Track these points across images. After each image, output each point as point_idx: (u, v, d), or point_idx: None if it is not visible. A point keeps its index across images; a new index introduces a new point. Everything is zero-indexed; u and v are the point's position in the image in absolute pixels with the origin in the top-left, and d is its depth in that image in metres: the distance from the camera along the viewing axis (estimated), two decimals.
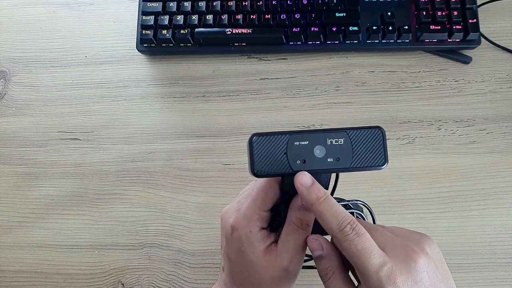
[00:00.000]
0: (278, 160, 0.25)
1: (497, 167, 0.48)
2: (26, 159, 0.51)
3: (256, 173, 0.25)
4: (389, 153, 0.48)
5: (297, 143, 0.26)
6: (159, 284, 0.46)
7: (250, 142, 0.26)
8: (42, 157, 0.51)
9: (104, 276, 0.46)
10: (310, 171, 0.26)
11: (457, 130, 0.50)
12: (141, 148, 0.51)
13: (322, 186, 0.30)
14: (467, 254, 0.45)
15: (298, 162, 0.25)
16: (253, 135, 0.26)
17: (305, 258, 0.39)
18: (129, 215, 0.48)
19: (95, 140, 0.52)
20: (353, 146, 0.26)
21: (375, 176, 0.48)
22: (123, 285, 0.46)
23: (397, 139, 0.50)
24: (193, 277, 0.46)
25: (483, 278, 0.44)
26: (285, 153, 0.26)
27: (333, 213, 0.25)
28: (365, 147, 0.26)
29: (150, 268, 0.46)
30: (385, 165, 0.26)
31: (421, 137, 0.49)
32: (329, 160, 0.26)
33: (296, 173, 0.26)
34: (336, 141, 0.26)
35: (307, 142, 0.26)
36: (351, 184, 0.48)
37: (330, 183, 0.30)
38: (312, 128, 0.51)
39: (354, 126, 0.26)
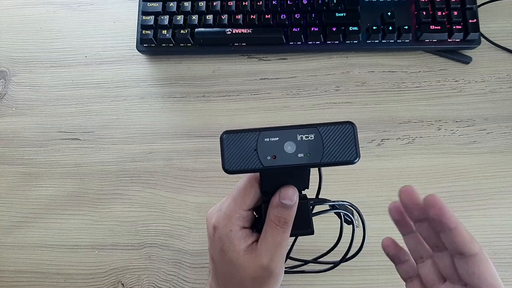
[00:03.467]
0: (249, 156, 0.26)
1: (497, 167, 0.48)
2: (26, 159, 0.51)
3: (227, 169, 0.26)
4: (389, 153, 0.49)
5: (267, 139, 0.26)
6: (159, 284, 0.46)
7: (221, 139, 0.26)
8: (42, 157, 0.51)
9: (104, 276, 0.46)
10: (280, 167, 0.26)
11: (457, 130, 0.50)
12: (141, 148, 0.51)
13: (302, 184, 0.30)
14: None
15: (269, 158, 0.26)
16: (224, 132, 0.26)
17: (300, 263, 0.39)
18: (129, 215, 0.48)
19: (95, 140, 0.52)
20: (324, 142, 0.26)
21: (375, 176, 0.48)
22: (123, 285, 0.46)
23: (397, 139, 0.50)
24: (193, 277, 0.46)
25: None
26: (255, 150, 0.26)
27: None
28: (336, 143, 0.26)
29: (150, 268, 0.46)
30: (357, 159, 0.26)
31: (421, 137, 0.49)
32: (299, 155, 0.26)
33: (266, 168, 0.26)
34: (306, 137, 0.26)
35: (277, 138, 0.26)
36: (351, 184, 0.48)
37: (310, 181, 0.30)
38: None
39: (327, 121, 0.27)
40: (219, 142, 0.27)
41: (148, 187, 0.49)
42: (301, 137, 0.26)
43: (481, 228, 0.46)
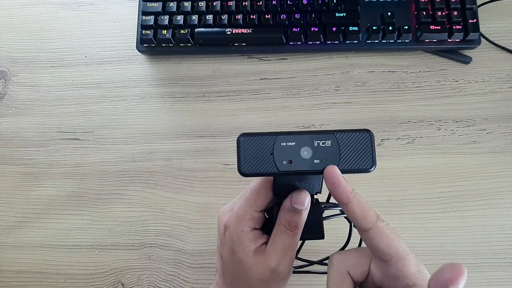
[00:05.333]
0: (265, 160, 0.26)
1: (497, 167, 0.48)
2: (26, 159, 0.51)
3: (242, 172, 0.26)
4: (389, 153, 0.49)
5: (284, 143, 0.26)
6: (159, 284, 0.46)
7: (238, 142, 0.26)
8: (42, 157, 0.51)
9: (104, 276, 0.46)
10: (296, 172, 0.26)
11: (457, 130, 0.50)
12: (141, 148, 0.51)
13: (315, 189, 0.30)
14: (467, 254, 0.45)
15: (285, 162, 0.26)
16: (241, 135, 0.26)
17: (305, 263, 0.39)
18: (129, 215, 0.48)
19: (95, 140, 0.52)
20: (341, 149, 0.26)
21: (375, 176, 0.48)
22: (123, 285, 0.46)
23: (397, 139, 0.50)
24: (193, 277, 0.46)
25: (483, 278, 0.44)
26: (271, 153, 0.26)
27: (365, 206, 0.25)
28: (353, 150, 0.26)
29: (150, 268, 0.46)
30: (373, 168, 0.26)
31: (421, 137, 0.49)
32: (315, 161, 0.26)
33: (282, 173, 0.26)
34: (323, 143, 0.26)
35: (294, 143, 0.26)
36: (350, 184, 0.47)
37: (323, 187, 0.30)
38: (312, 128, 0.51)
39: (344, 128, 0.26)
40: (235, 144, 0.26)
41: (148, 187, 0.49)
42: (318, 143, 0.26)
43: (481, 228, 0.46)
